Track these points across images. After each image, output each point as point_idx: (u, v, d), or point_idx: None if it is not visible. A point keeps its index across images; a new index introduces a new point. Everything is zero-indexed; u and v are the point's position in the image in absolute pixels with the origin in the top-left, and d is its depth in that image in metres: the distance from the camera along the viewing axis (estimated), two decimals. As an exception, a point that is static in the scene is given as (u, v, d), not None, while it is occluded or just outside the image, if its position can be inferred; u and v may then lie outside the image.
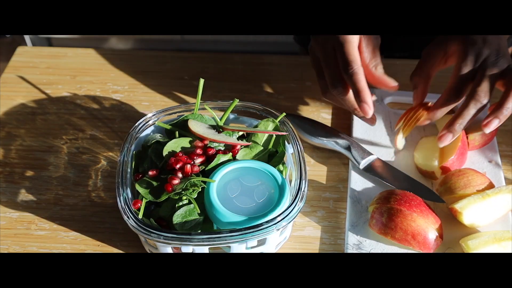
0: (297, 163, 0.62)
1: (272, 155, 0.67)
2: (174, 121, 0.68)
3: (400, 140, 0.73)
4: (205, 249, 0.59)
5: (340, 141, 0.74)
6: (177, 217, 0.59)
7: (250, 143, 0.66)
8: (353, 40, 0.65)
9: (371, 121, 0.71)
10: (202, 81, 0.68)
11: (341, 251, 0.65)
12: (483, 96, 0.63)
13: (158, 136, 0.67)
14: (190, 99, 0.85)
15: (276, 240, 0.62)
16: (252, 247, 0.61)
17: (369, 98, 0.65)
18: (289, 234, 0.66)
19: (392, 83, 0.68)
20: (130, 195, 0.60)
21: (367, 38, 0.67)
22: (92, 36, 1.97)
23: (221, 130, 0.67)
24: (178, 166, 0.61)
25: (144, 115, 0.77)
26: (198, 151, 0.64)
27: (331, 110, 0.83)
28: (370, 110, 0.66)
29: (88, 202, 0.71)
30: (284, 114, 0.68)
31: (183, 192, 0.60)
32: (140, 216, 0.59)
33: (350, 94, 0.67)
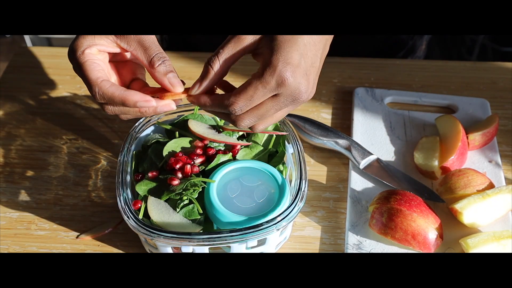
0: (297, 163, 0.62)
1: (272, 155, 0.67)
2: (174, 121, 0.68)
3: None
4: (205, 249, 0.59)
5: (340, 141, 0.74)
6: (177, 217, 0.60)
7: (250, 143, 0.66)
8: (84, 60, 0.52)
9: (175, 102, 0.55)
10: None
11: (341, 251, 0.65)
12: (243, 126, 0.53)
13: (158, 136, 0.67)
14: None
15: (276, 240, 0.62)
16: (252, 247, 0.61)
17: (149, 102, 0.52)
18: (289, 234, 0.66)
19: (175, 88, 0.53)
20: (130, 195, 0.60)
21: (124, 39, 0.53)
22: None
23: (221, 130, 0.67)
24: (178, 166, 0.61)
25: (144, 115, 0.77)
26: (198, 151, 0.64)
27: (331, 110, 0.83)
28: (171, 104, 0.53)
29: (88, 202, 0.71)
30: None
31: (183, 192, 0.60)
32: (140, 216, 0.59)
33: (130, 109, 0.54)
